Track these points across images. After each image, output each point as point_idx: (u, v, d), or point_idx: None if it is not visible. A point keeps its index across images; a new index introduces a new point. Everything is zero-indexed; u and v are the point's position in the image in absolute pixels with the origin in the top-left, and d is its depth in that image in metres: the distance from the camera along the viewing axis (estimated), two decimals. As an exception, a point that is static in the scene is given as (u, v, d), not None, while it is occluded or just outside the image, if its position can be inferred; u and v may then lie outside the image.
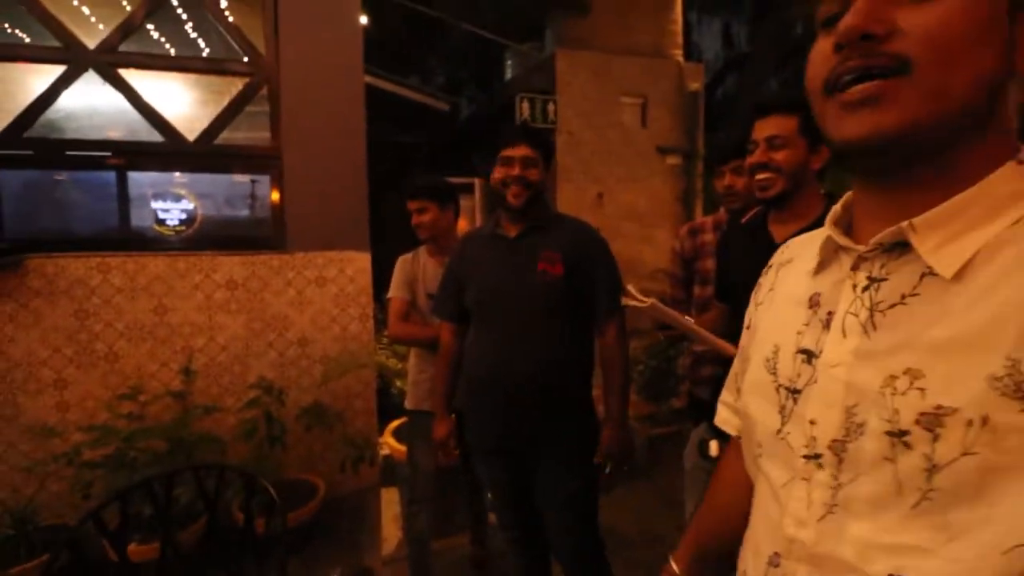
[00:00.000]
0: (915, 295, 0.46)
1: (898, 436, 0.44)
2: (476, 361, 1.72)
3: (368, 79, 3.28)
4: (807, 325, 0.55)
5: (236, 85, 2.89)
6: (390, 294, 2.21)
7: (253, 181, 3.53)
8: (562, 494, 1.66)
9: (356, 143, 2.92)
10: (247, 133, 3.09)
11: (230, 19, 2.82)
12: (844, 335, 0.50)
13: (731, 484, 0.75)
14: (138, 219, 2.88)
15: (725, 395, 0.76)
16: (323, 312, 2.89)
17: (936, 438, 0.42)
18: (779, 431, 0.55)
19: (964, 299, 0.43)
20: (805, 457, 0.51)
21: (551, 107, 5.34)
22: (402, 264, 2.23)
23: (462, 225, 6.02)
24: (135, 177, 2.76)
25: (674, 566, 0.80)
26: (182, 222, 3.14)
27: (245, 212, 3.70)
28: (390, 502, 2.93)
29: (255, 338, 2.78)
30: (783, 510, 0.53)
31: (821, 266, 0.56)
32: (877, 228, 0.49)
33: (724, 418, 0.77)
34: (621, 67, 5.74)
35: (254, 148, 2.91)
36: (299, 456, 2.82)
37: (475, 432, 1.77)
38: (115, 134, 3.27)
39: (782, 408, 0.55)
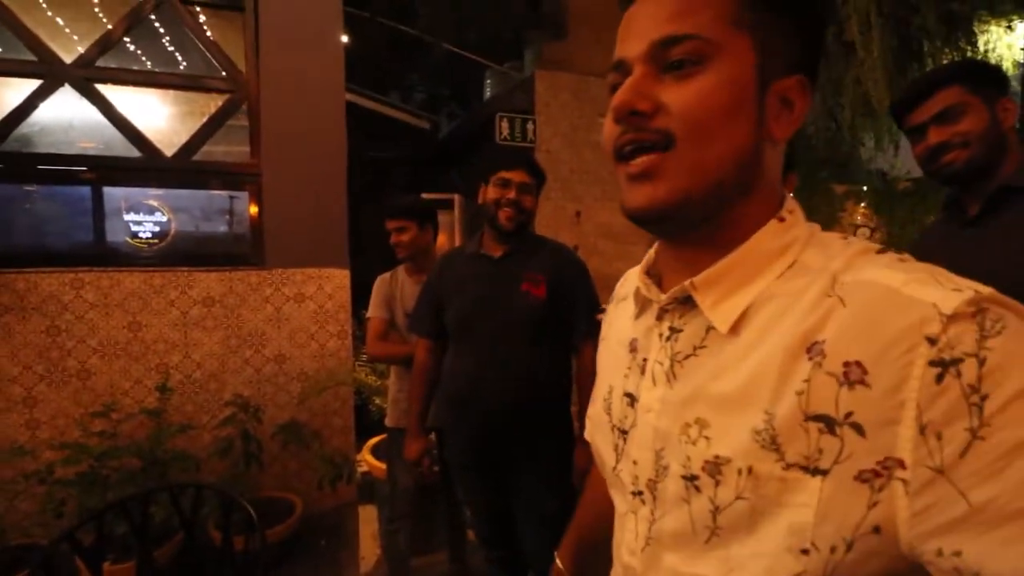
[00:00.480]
0: (703, 347, 0.50)
1: (690, 480, 0.49)
2: (456, 379, 1.73)
3: (349, 96, 3.32)
4: (630, 369, 0.59)
5: (216, 100, 2.90)
6: (369, 314, 2.23)
7: (231, 196, 3.51)
8: (540, 512, 1.68)
9: (337, 160, 2.95)
10: (227, 148, 3.09)
11: (209, 35, 2.84)
12: (653, 382, 0.54)
13: (603, 484, 0.79)
14: (113, 234, 2.85)
15: (590, 410, 0.80)
16: (301, 329, 2.89)
17: (718, 484, 0.46)
18: (615, 468, 0.60)
19: (736, 353, 0.47)
20: (632, 493, 0.56)
21: (530, 126, 5.43)
22: (380, 284, 2.26)
23: (441, 241, 6.05)
24: (110, 191, 2.74)
25: (559, 562, 0.85)
26: (155, 235, 3.10)
27: (223, 227, 3.68)
28: (368, 519, 2.91)
29: (231, 355, 2.76)
30: (622, 539, 0.59)
31: (638, 311, 0.60)
32: (676, 281, 0.53)
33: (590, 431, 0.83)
34: (598, 88, 5.87)
35: (233, 164, 2.91)
36: (276, 474, 2.80)
37: (455, 449, 1.79)
38: (91, 148, 3.23)
39: (616, 447, 0.60)
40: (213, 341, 2.72)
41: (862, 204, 7.51)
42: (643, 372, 0.56)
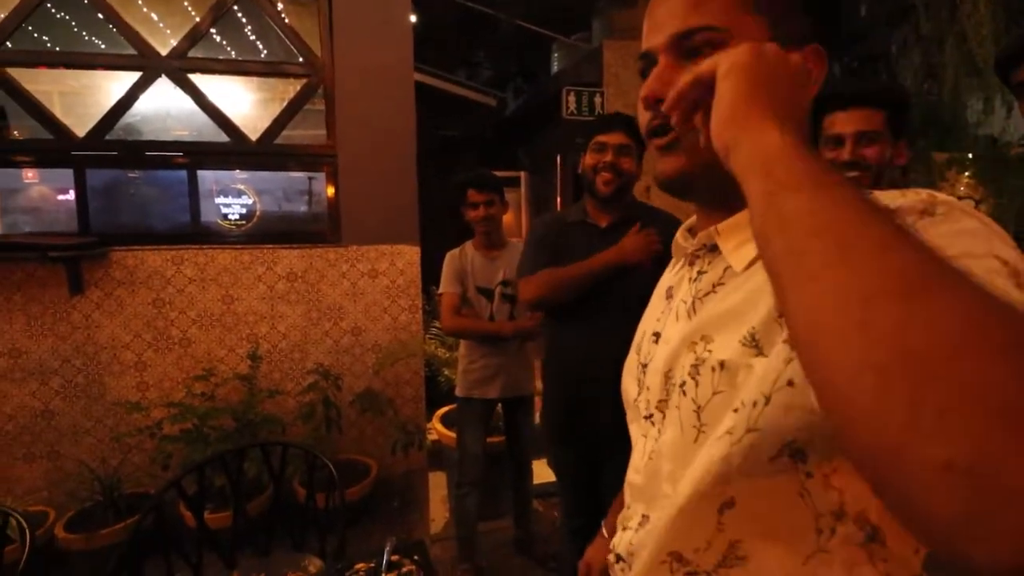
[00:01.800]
0: (721, 284, 0.58)
1: (680, 387, 0.56)
2: (561, 351, 1.70)
3: (417, 76, 3.38)
4: (663, 313, 0.68)
5: (294, 85, 3.05)
6: (441, 289, 2.31)
7: (310, 178, 3.70)
8: None
9: (406, 140, 3.03)
10: (304, 131, 3.25)
11: (287, 22, 2.97)
12: (677, 319, 0.63)
13: None
14: (206, 214, 3.09)
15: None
16: (375, 303, 3.03)
17: (697, 384, 0.54)
18: (635, 399, 0.68)
19: (743, 286, 0.55)
20: (645, 417, 0.64)
21: (597, 99, 5.31)
22: (451, 260, 2.32)
23: (508, 219, 6.10)
24: (202, 174, 2.97)
25: (604, 530, 0.93)
26: (242, 216, 3.33)
27: (303, 207, 3.89)
28: (437, 485, 3.06)
29: (313, 327, 2.94)
30: (631, 463, 0.67)
31: (680, 265, 0.69)
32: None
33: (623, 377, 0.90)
34: (669, 57, 5.64)
35: (311, 147, 3.06)
36: (353, 438, 2.98)
37: (553, 420, 1.78)
38: (184, 135, 3.49)
39: (639, 381, 0.68)
40: (296, 314, 2.91)
41: (966, 173, 6.85)
42: (672, 312, 0.65)
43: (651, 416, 0.63)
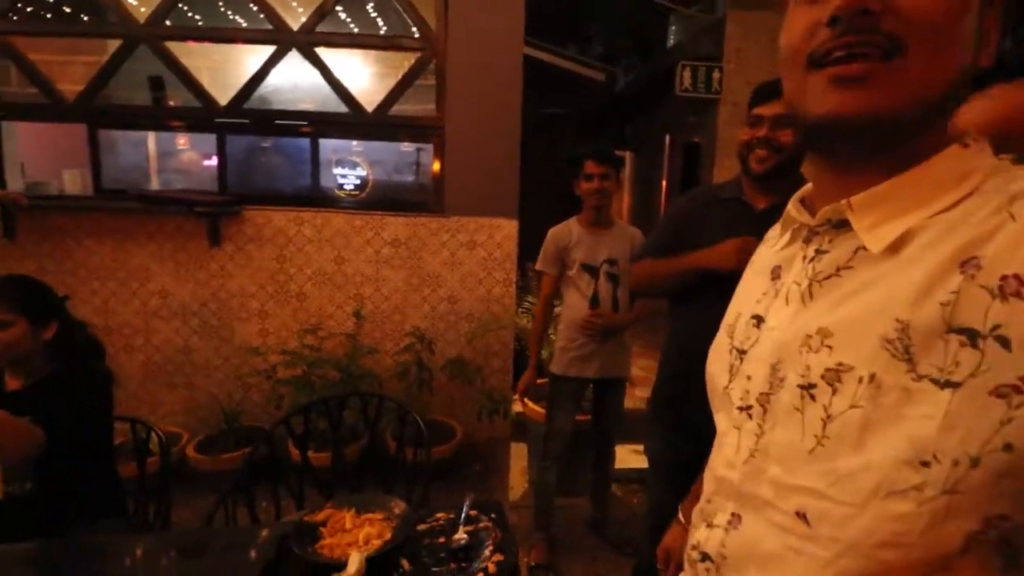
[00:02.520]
0: (848, 267, 0.50)
1: (807, 389, 0.49)
2: (677, 334, 1.62)
3: (525, 50, 3.39)
4: (765, 294, 0.60)
5: (408, 60, 3.17)
6: (538, 266, 2.32)
7: (418, 149, 3.86)
8: None
9: (512, 115, 3.06)
10: (415, 105, 3.38)
11: (406, -2, 3.08)
12: (787, 302, 0.55)
13: None
14: (325, 180, 3.33)
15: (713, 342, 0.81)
16: (471, 274, 3.13)
17: (835, 392, 0.46)
18: (726, 387, 0.61)
19: (884, 271, 0.47)
20: (739, 408, 0.58)
21: (716, 75, 5.02)
22: (553, 238, 2.30)
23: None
24: (322, 143, 3.19)
25: (681, 516, 0.91)
26: (356, 187, 3.56)
27: (410, 178, 4.09)
28: (518, 455, 3.15)
29: (412, 292, 3.10)
30: (719, 455, 0.60)
31: (787, 241, 0.60)
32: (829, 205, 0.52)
33: (709, 360, 0.83)
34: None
35: (421, 119, 3.19)
36: (442, 401, 3.13)
37: (662, 402, 1.70)
38: (309, 106, 3.77)
39: (731, 367, 0.61)
40: (398, 278, 3.08)
41: None
42: (778, 295, 0.57)
43: (749, 408, 0.56)
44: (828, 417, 0.47)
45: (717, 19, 5.38)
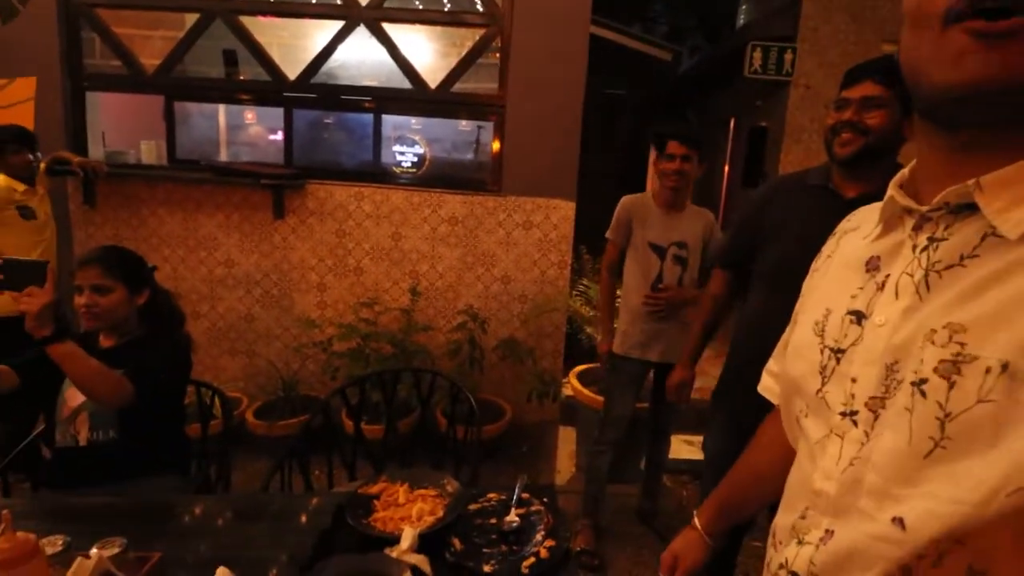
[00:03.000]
0: (974, 256, 0.44)
1: (917, 385, 0.43)
2: (770, 331, 1.52)
3: (591, 28, 3.29)
4: (861, 288, 0.54)
5: (471, 37, 3.13)
6: (608, 234, 2.27)
7: (478, 127, 3.83)
8: None
9: (575, 95, 2.98)
10: (476, 84, 3.35)
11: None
12: (896, 296, 0.49)
13: (767, 447, 0.80)
14: (385, 156, 3.36)
15: (771, 364, 0.75)
16: (526, 255, 3.09)
17: (952, 385, 0.41)
18: (819, 391, 0.55)
19: (1021, 260, 0.41)
20: (842, 414, 0.52)
21: (788, 56, 4.75)
22: (625, 204, 2.23)
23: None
24: (383, 121, 3.21)
25: (696, 520, 0.88)
26: (413, 164, 3.57)
27: (469, 155, 4.07)
28: (566, 439, 3.12)
29: (467, 271, 3.10)
30: (815, 466, 0.54)
31: (884, 230, 0.55)
32: (938, 192, 0.47)
33: (767, 385, 0.79)
34: (887, 5, 4.83)
35: (483, 96, 3.15)
36: (492, 380, 3.13)
37: (725, 390, 1.67)
38: (372, 83, 3.79)
39: (823, 368, 0.55)
40: (453, 256, 3.08)
41: None
42: (881, 288, 0.52)
43: (855, 414, 0.51)
44: (947, 415, 0.42)
45: (795, -3, 5.08)
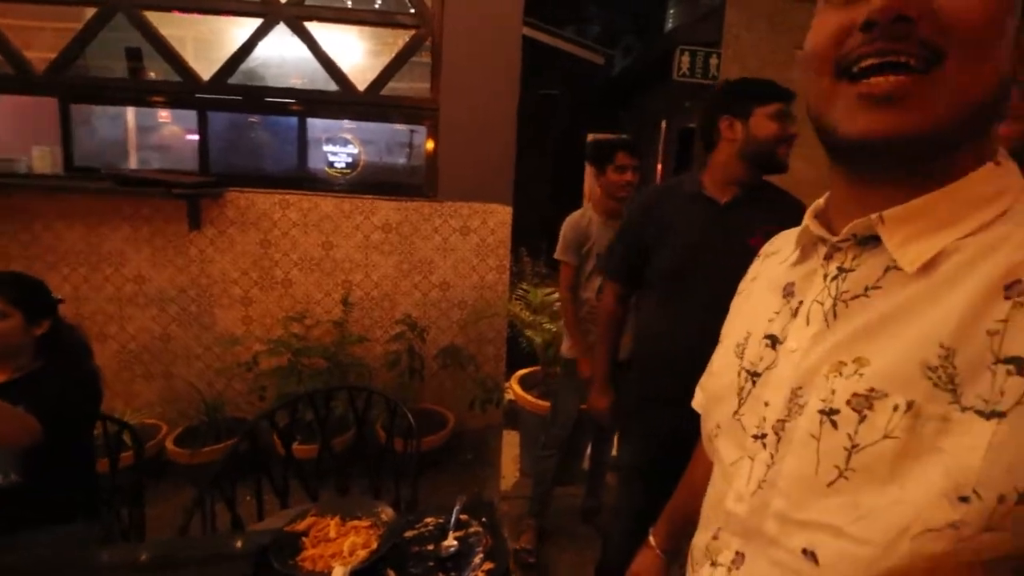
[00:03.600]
0: (878, 287, 0.47)
1: (828, 415, 0.45)
2: (663, 338, 1.53)
3: (523, 30, 3.27)
4: (778, 313, 0.56)
5: (403, 37, 3.03)
6: (557, 255, 2.25)
7: (412, 131, 3.72)
8: None
9: (509, 97, 2.95)
10: (410, 84, 3.25)
11: (400, -29, 2.94)
12: (807, 322, 0.51)
13: (702, 461, 0.81)
14: (313, 162, 3.20)
15: (703, 379, 0.76)
16: (464, 260, 3.03)
17: (863, 419, 0.43)
18: (736, 412, 0.57)
19: (918, 294, 0.44)
20: (754, 437, 0.53)
21: (713, 61, 4.93)
22: (571, 224, 2.23)
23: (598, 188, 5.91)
24: (311, 122, 3.05)
25: (652, 539, 0.88)
26: (347, 165, 3.42)
27: (402, 160, 3.95)
28: (510, 444, 3.08)
29: (403, 278, 3.00)
30: (729, 487, 0.55)
31: (800, 256, 0.57)
32: (851, 221, 0.49)
33: (699, 401, 0.78)
34: (801, 16, 5.09)
35: (414, 99, 3.06)
36: (434, 389, 3.05)
37: (651, 413, 1.62)
38: (297, 83, 3.61)
39: (740, 390, 0.57)
40: (389, 264, 2.98)
41: None
42: (795, 314, 0.54)
43: (764, 436, 0.52)
44: (854, 447, 0.43)
45: (717, 4, 5.27)
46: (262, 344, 2.77)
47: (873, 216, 0.47)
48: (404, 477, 1.68)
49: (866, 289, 0.48)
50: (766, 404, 0.53)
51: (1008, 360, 0.39)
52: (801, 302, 0.53)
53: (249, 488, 1.70)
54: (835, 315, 0.49)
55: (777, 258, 0.63)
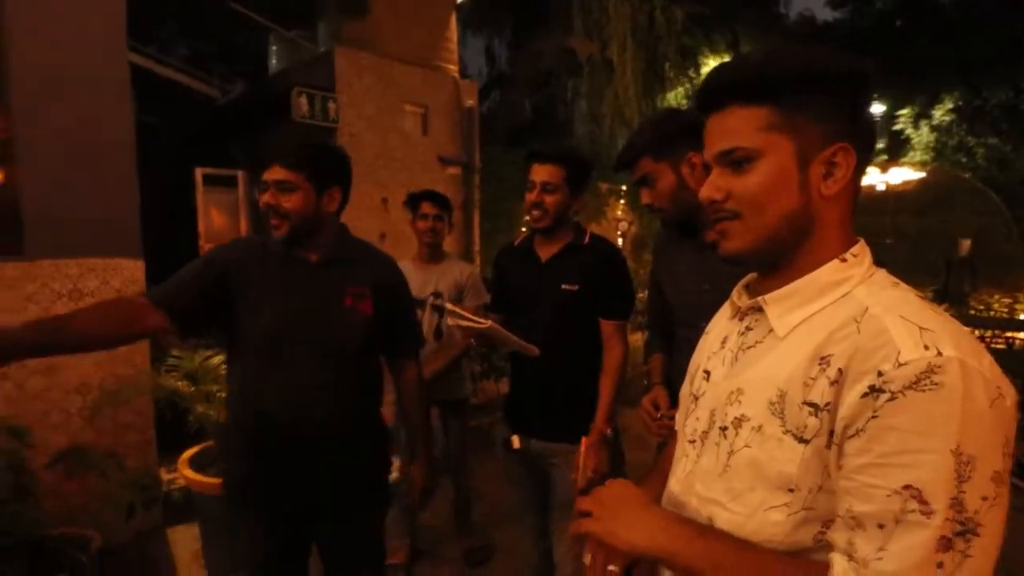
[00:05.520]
0: (761, 343, 0.70)
1: (723, 430, 0.70)
2: (262, 402, 1.38)
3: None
4: (715, 353, 0.79)
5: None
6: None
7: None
8: (356, 562, 1.53)
9: (120, 123, 2.49)
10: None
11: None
12: (723, 363, 0.76)
13: (671, 458, 1.04)
14: None
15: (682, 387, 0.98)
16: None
17: (736, 434, 0.68)
18: (684, 424, 0.82)
19: (779, 350, 0.67)
20: (690, 441, 0.78)
21: (331, 105, 5.15)
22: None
23: (221, 223, 5.68)
24: None
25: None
26: None
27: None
28: (186, 539, 2.57)
29: (-19, 369, 2.16)
30: (673, 473, 0.81)
31: (731, 315, 0.80)
32: (759, 295, 0.73)
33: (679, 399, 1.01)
34: (403, 74, 5.81)
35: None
36: (60, 507, 2.30)
37: (251, 490, 1.45)
38: None
39: (688, 408, 0.81)
40: (-50, 354, 2.10)
41: (622, 201, 8.84)
42: (721, 357, 0.77)
43: (694, 442, 0.76)
44: (732, 451, 0.68)
45: (326, 52, 5.51)
46: None
47: (760, 298, 0.70)
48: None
49: (756, 343, 0.70)
50: (697, 419, 0.76)
51: (808, 404, 0.61)
52: (725, 347, 0.76)
53: None
54: (736, 360, 0.72)
55: (723, 314, 0.84)
